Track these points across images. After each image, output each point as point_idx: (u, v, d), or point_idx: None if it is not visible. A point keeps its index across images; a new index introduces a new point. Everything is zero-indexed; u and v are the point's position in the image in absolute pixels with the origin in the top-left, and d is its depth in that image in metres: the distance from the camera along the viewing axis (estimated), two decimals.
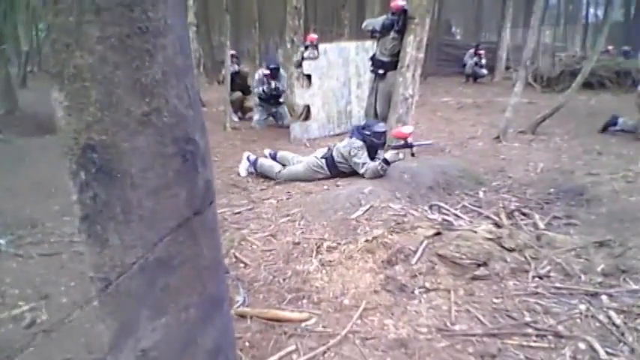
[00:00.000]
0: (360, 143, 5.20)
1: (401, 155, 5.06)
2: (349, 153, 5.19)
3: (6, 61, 10.99)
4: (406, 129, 5.15)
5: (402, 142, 5.07)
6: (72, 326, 2.81)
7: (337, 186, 5.05)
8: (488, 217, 4.49)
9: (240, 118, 10.17)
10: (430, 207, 4.36)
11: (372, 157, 5.14)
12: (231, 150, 7.51)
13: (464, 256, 3.05)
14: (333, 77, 8.26)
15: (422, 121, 9.05)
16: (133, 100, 0.92)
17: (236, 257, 3.47)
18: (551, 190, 5.19)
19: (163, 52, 0.95)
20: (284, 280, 3.15)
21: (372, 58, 6.84)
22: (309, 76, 8.34)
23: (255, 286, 3.09)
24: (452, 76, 16.59)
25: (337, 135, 8.12)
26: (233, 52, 10.28)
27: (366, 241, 3.41)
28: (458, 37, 26.98)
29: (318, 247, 3.54)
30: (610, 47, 15.48)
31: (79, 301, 3.06)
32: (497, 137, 7.24)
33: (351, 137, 5.39)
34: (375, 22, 6.76)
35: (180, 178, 1.01)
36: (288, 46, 10.27)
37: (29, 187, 5.40)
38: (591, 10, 27.52)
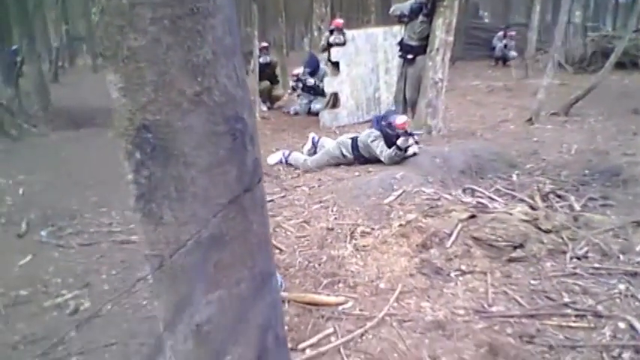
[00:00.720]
0: (377, 133, 5.29)
1: (410, 141, 5.08)
2: (369, 141, 5.28)
3: (37, 58, 11.21)
4: (399, 119, 5.19)
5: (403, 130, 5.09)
6: (114, 312, 2.89)
7: (369, 172, 5.05)
8: (522, 200, 4.45)
9: (269, 108, 10.25)
10: (464, 190, 4.33)
11: (391, 145, 5.15)
12: (261, 139, 7.37)
13: (499, 239, 3.04)
14: (362, 64, 8.24)
15: (451, 105, 8.96)
16: (185, 80, 0.95)
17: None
18: (586, 171, 5.11)
19: (213, 33, 0.97)
20: (319, 265, 3.17)
21: (401, 43, 6.79)
22: (335, 63, 8.36)
23: (291, 271, 3.13)
24: (480, 60, 16.36)
25: (367, 122, 8.09)
26: (265, 43, 10.37)
27: (400, 225, 3.42)
28: (486, 20, 26.52)
29: (352, 233, 3.56)
30: None
31: (120, 289, 3.14)
32: (530, 119, 7.13)
33: (371, 127, 5.47)
34: (403, 6, 6.70)
35: (230, 156, 1.04)
36: (316, 34, 10.31)
37: (66, 179, 5.53)
38: None
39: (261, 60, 9.61)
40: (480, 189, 4.37)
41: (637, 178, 4.56)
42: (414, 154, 5.17)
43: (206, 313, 1.07)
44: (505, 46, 15.07)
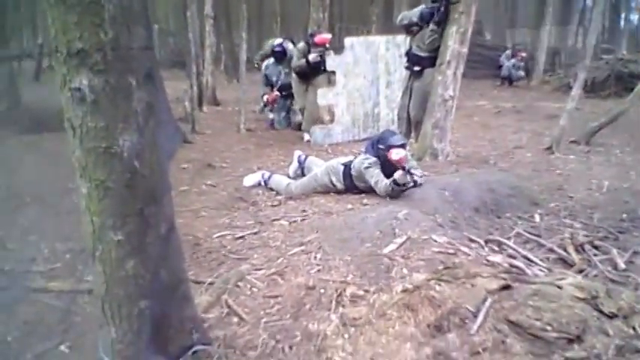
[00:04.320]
0: (373, 159, 4.40)
1: (409, 178, 4.19)
2: (362, 168, 4.40)
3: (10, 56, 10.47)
4: (395, 154, 4.21)
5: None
6: None
7: (364, 205, 4.15)
8: (551, 251, 3.58)
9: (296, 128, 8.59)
10: (486, 242, 3.42)
11: (392, 173, 4.22)
12: (242, 155, 6.68)
13: (548, 327, 2.12)
14: (360, 75, 7.37)
15: (457, 126, 8.07)
16: None
17: (229, 307, 2.59)
18: (624, 215, 4.25)
19: None
20: (290, 348, 2.25)
21: (408, 54, 5.92)
22: (304, 75, 7.68)
23: (250, 356, 2.21)
24: (484, 79, 15.54)
25: (363, 140, 7.21)
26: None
27: (405, 290, 2.51)
28: (488, 38, 25.81)
29: (339, 295, 2.64)
30: None
31: None
32: (549, 148, 6.25)
33: (365, 152, 4.58)
34: (411, 13, 5.83)
35: None
36: None
37: (2, 193, 4.62)
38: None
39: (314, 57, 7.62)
40: (511, 244, 3.44)
41: None
42: (416, 184, 4.29)
43: None
44: (513, 65, 14.28)
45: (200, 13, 10.80)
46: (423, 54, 5.63)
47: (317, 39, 7.30)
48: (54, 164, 5.45)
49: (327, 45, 7.33)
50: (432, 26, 5.46)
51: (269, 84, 8.65)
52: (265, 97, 8.61)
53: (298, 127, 8.14)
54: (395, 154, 4.19)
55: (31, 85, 11.96)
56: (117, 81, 1.50)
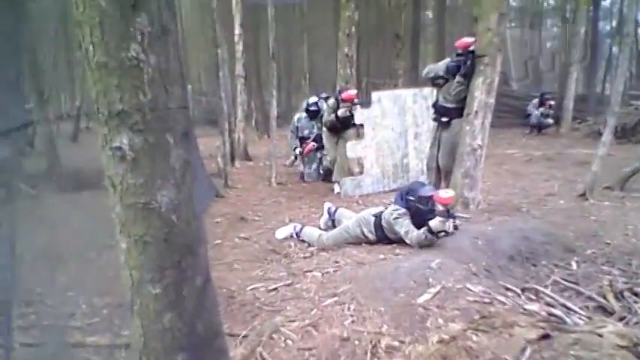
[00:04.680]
0: (402, 210, 4.44)
1: (448, 224, 4.16)
2: (392, 219, 4.44)
3: (46, 118, 10.87)
4: (444, 193, 4.26)
5: (444, 208, 4.18)
6: None
7: (396, 255, 4.14)
8: (590, 298, 3.50)
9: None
10: (522, 291, 3.37)
11: (422, 224, 4.23)
12: (274, 208, 6.75)
13: None
14: (388, 127, 7.45)
15: (487, 174, 8.04)
16: None
17: (263, 359, 2.59)
18: None
19: None
20: None
21: (435, 105, 6.00)
22: (333, 130, 7.86)
23: None
24: (512, 128, 15.52)
25: (393, 191, 7.23)
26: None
27: (441, 341, 2.48)
28: (514, 88, 25.87)
29: (374, 347, 2.62)
30: None
31: None
32: (583, 194, 6.17)
33: (394, 203, 4.62)
34: (437, 67, 5.94)
35: None
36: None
37: (42, 251, 4.73)
38: None
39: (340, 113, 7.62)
40: (549, 292, 3.38)
41: None
42: (448, 232, 4.27)
43: None
44: (542, 113, 14.24)
45: (232, 73, 11.15)
46: (449, 105, 5.71)
47: (344, 95, 7.44)
48: (91, 221, 5.58)
49: (355, 100, 7.44)
50: (458, 78, 5.55)
51: (299, 137, 8.92)
52: (298, 150, 8.87)
53: (327, 173, 8.28)
54: (444, 193, 4.24)
55: (69, 146, 12.37)
56: (155, 139, 1.57)
